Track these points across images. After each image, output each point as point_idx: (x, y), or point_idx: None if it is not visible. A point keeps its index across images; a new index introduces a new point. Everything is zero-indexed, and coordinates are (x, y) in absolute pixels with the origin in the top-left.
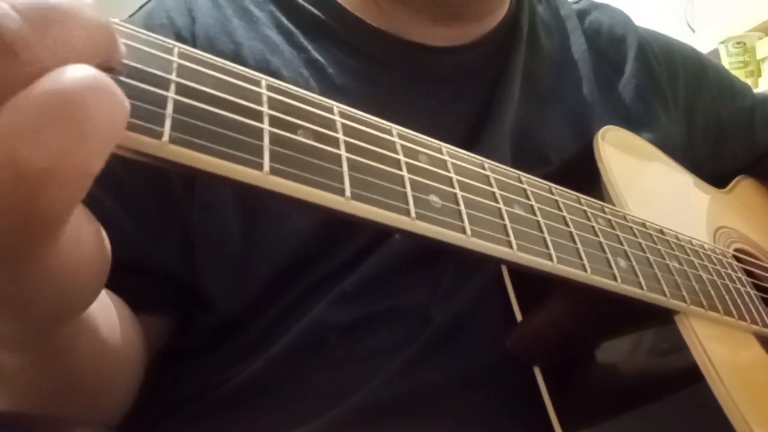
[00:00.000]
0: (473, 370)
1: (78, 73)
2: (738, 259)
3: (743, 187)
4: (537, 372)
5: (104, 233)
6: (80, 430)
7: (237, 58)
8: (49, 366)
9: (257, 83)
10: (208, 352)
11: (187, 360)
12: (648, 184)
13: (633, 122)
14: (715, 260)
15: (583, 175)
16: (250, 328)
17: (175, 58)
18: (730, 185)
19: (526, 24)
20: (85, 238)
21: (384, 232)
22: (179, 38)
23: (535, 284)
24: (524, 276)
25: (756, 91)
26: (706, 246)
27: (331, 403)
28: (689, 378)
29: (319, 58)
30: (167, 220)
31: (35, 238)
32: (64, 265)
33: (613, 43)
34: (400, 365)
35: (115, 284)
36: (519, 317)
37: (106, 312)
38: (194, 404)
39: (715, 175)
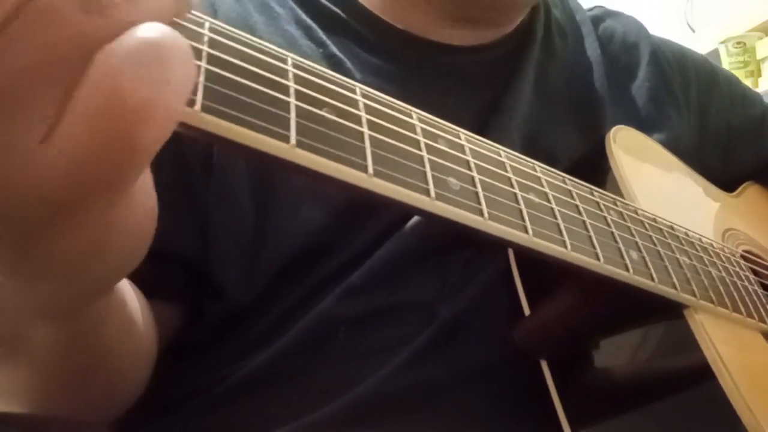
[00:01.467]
0: (476, 367)
1: (162, 28)
2: (746, 260)
3: (750, 192)
4: (544, 365)
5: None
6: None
7: None
8: (81, 341)
9: (284, 60)
10: (214, 346)
11: (194, 355)
12: (658, 183)
13: (645, 125)
14: (723, 258)
15: (594, 172)
16: (257, 322)
17: (206, 32)
18: (738, 190)
19: (542, 27)
20: (148, 195)
21: (393, 226)
22: None
23: (543, 276)
24: (533, 268)
25: (756, 91)
26: (715, 244)
27: (335, 396)
28: (698, 373)
29: (338, 53)
30: (186, 207)
31: (129, 171)
32: (133, 216)
33: (626, 49)
34: (403, 360)
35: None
36: (527, 310)
37: (131, 294)
38: (200, 397)
39: (723, 180)
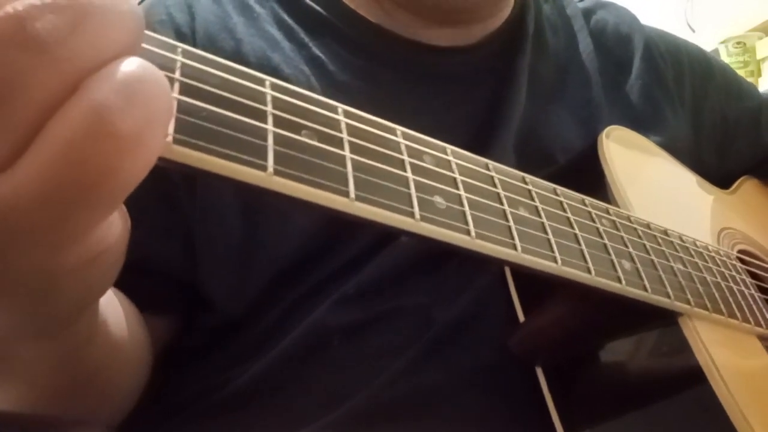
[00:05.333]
0: (474, 371)
1: (142, 63)
2: (742, 261)
3: (747, 187)
4: (539, 372)
5: (128, 218)
6: (80, 429)
7: (237, 54)
8: (67, 359)
9: (261, 82)
10: (209, 353)
11: (188, 361)
12: (652, 184)
13: (640, 123)
14: (719, 262)
15: (587, 175)
16: (251, 329)
17: (179, 57)
18: (734, 186)
19: (532, 24)
20: (119, 217)
21: (387, 235)
22: (179, 35)
23: (537, 285)
24: (527, 276)
25: None
26: (710, 247)
27: (333, 404)
28: (692, 380)
29: (320, 54)
30: (170, 221)
31: (110, 201)
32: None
33: (619, 42)
34: (401, 366)
35: (118, 283)
36: (521, 318)
37: (114, 308)
38: (196, 405)
39: (721, 175)
